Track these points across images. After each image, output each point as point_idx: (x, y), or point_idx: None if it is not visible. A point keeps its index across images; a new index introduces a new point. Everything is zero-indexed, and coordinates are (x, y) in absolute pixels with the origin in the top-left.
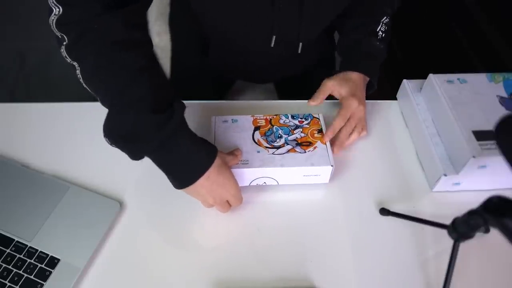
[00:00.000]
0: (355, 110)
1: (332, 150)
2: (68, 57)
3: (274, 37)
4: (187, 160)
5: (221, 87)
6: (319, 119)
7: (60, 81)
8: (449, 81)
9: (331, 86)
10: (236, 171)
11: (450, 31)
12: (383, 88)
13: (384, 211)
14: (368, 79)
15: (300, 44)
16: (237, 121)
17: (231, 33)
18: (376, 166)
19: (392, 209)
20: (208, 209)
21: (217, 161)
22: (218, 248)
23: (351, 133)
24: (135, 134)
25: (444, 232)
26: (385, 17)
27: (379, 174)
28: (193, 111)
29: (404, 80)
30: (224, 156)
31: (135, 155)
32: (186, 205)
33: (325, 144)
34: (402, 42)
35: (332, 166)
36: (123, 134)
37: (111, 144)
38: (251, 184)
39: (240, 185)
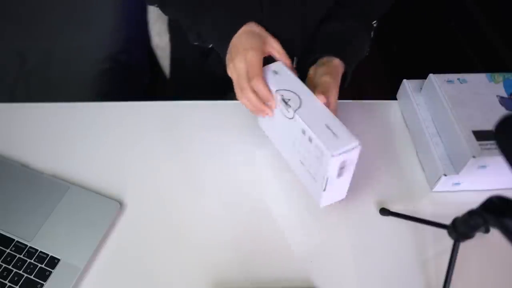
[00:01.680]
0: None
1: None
2: None
3: None
4: (220, 26)
5: (222, 86)
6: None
7: (60, 81)
8: (449, 81)
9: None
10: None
11: (450, 31)
12: (383, 88)
13: (385, 211)
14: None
15: (295, 58)
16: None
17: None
18: (376, 166)
19: (392, 209)
20: (208, 209)
21: (249, 26)
22: (218, 248)
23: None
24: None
25: (444, 232)
26: (375, 21)
27: (379, 174)
28: (193, 111)
29: (404, 80)
30: (265, 35)
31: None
32: (186, 205)
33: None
34: (402, 42)
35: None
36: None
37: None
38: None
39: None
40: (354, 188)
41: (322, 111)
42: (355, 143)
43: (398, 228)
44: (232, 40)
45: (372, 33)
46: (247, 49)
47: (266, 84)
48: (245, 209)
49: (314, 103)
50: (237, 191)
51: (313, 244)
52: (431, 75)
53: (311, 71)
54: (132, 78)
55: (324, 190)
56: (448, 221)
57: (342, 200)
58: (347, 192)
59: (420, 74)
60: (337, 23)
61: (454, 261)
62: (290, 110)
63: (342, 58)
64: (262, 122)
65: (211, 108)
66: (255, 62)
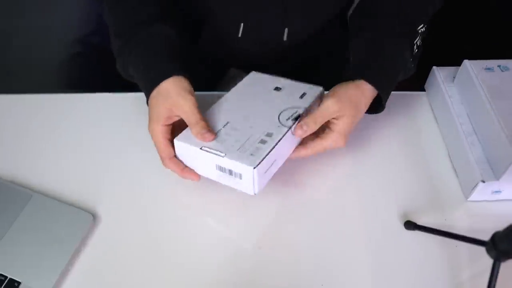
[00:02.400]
0: (333, 147)
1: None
2: None
3: (249, 16)
4: (147, 71)
5: (214, 75)
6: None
7: (20, 68)
8: (488, 69)
9: (334, 112)
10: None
11: (489, 9)
12: (408, 77)
13: (410, 225)
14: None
15: (286, 30)
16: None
17: (217, 15)
18: (400, 171)
19: (419, 222)
20: (194, 222)
21: (174, 78)
22: (208, 268)
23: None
24: (114, 53)
25: (481, 249)
26: (422, 25)
27: (404, 180)
28: None
29: (434, 68)
30: (186, 94)
31: (122, 72)
32: (169, 218)
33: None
34: (431, 21)
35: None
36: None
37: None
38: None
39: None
40: (374, 197)
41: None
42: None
43: (426, 245)
44: (151, 96)
45: (418, 41)
46: (152, 119)
47: (178, 163)
48: (242, 220)
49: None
50: (230, 200)
51: (325, 264)
52: (466, 62)
53: (332, 106)
54: (106, 64)
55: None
56: (486, 237)
57: (360, 212)
58: (365, 202)
59: (453, 60)
60: (367, 32)
61: (494, 284)
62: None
63: (370, 81)
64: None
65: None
66: (159, 140)
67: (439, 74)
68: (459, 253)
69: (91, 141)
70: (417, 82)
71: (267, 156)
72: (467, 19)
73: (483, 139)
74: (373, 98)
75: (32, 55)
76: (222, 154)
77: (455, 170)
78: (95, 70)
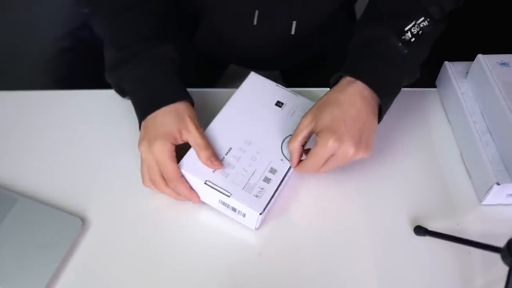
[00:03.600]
0: (333, 152)
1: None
2: None
3: (257, 12)
4: (147, 94)
5: (212, 73)
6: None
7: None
8: (504, 64)
9: (306, 125)
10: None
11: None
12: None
13: (420, 230)
14: (375, 96)
15: (294, 23)
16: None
17: (215, 7)
18: (409, 173)
19: (430, 228)
20: (191, 228)
21: (175, 106)
22: (206, 275)
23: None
24: (109, 65)
25: (496, 256)
26: (422, 18)
27: (414, 182)
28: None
29: (446, 63)
30: (189, 121)
31: (114, 84)
32: (164, 223)
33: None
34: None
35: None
36: (107, 67)
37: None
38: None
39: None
40: (382, 200)
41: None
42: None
43: (438, 251)
44: (157, 113)
45: (413, 29)
46: (158, 137)
47: (187, 184)
48: (243, 227)
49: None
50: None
51: (329, 271)
52: (480, 56)
53: (304, 122)
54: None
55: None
56: (501, 243)
57: (367, 216)
58: (373, 206)
59: (466, 54)
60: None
61: None
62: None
63: (361, 79)
64: None
65: (201, 98)
66: (167, 159)
67: (451, 69)
68: (472, 260)
69: (80, 141)
70: (428, 78)
71: (272, 199)
72: (480, 11)
73: (498, 139)
74: (366, 98)
75: (18, 50)
76: (228, 194)
77: (468, 172)
78: (84, 66)
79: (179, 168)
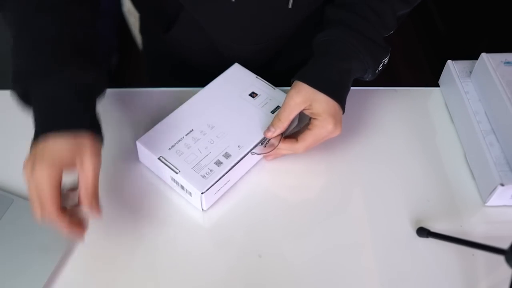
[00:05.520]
0: (326, 136)
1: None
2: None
3: None
4: (54, 110)
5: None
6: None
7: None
8: (508, 63)
9: (298, 105)
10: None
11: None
12: (421, 72)
13: (423, 232)
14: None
15: None
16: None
17: None
18: (412, 173)
19: (433, 229)
20: (190, 228)
21: (75, 134)
22: (205, 277)
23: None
24: (17, 74)
25: (500, 258)
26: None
27: (417, 183)
28: (174, 101)
29: (449, 61)
30: (89, 155)
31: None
32: (163, 223)
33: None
34: (445, 11)
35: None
36: (15, 76)
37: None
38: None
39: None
40: (384, 201)
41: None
42: (201, 206)
43: (441, 253)
44: (54, 134)
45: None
46: (45, 160)
47: (66, 217)
48: (242, 228)
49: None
50: (228, 206)
51: (331, 274)
52: (483, 55)
53: (294, 100)
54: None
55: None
56: (505, 244)
57: (369, 218)
58: (375, 207)
59: (470, 53)
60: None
61: None
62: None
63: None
64: None
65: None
66: (49, 186)
67: (454, 68)
68: (476, 262)
69: None
70: (431, 77)
71: (218, 181)
72: (484, 9)
73: (502, 139)
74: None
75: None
76: (177, 171)
77: (472, 173)
78: None
79: (58, 200)
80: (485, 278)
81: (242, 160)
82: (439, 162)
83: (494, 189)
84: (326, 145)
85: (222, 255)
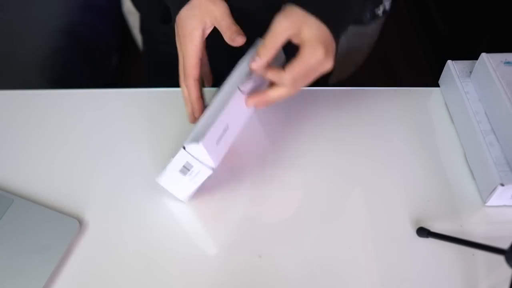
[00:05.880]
0: (316, 66)
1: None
2: None
3: None
4: None
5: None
6: None
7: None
8: (508, 63)
9: (285, 30)
10: None
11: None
12: (421, 72)
13: (423, 232)
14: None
15: None
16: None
17: None
18: (412, 173)
19: (433, 229)
20: (190, 229)
21: (195, 2)
22: (204, 277)
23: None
24: None
25: (500, 258)
26: None
27: (416, 183)
28: (172, 101)
29: (449, 61)
30: (218, 10)
31: None
32: (162, 224)
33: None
34: (446, 10)
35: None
36: None
37: None
38: None
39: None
40: (384, 201)
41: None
42: (210, 165)
43: (441, 253)
44: (180, 12)
45: None
46: (185, 35)
47: (198, 89)
48: (242, 228)
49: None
50: (228, 206)
51: (330, 274)
52: (483, 55)
53: (282, 24)
54: (95, 58)
55: (165, 169)
56: (505, 244)
57: (368, 218)
58: (374, 207)
59: (470, 53)
60: None
61: None
62: None
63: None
64: None
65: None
66: (190, 54)
67: (454, 68)
68: (476, 262)
69: (78, 142)
70: (431, 77)
71: (213, 126)
72: (484, 9)
73: (502, 139)
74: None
75: (12, 48)
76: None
77: (472, 173)
78: (82, 65)
79: (198, 69)
80: (485, 278)
81: (232, 100)
82: (439, 162)
83: (494, 189)
84: (326, 145)
85: (222, 256)
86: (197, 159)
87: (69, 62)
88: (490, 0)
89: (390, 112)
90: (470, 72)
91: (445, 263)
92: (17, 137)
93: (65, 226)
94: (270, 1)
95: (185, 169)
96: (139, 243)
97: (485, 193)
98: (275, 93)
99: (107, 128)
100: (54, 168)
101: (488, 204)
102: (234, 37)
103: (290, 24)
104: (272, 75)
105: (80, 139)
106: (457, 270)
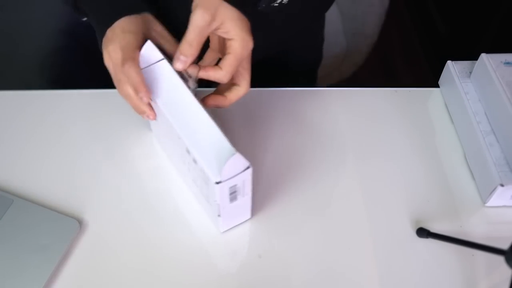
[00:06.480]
0: (248, 54)
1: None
2: None
3: None
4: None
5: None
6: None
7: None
8: (508, 63)
9: (208, 25)
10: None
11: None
12: (421, 72)
13: (423, 232)
14: None
15: None
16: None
17: None
18: (412, 174)
19: (433, 230)
20: (189, 229)
21: (140, 16)
22: (204, 277)
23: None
24: None
25: (500, 259)
26: None
27: (416, 184)
28: None
29: (449, 62)
30: (159, 25)
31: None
32: (162, 224)
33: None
34: (445, 10)
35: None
36: None
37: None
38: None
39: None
40: (383, 202)
41: (205, 121)
42: (244, 164)
43: (440, 253)
44: (112, 26)
45: None
46: (125, 32)
47: (140, 72)
48: (242, 228)
49: (195, 107)
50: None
51: (330, 275)
52: (483, 55)
53: (201, 18)
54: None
55: (219, 215)
56: (505, 245)
57: (368, 218)
58: (374, 207)
59: (470, 53)
60: None
61: None
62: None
63: None
64: (153, 127)
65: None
66: (130, 45)
67: (454, 69)
68: (476, 263)
69: (77, 142)
70: (431, 78)
71: (219, 131)
72: (484, 10)
73: (502, 140)
74: None
75: (12, 49)
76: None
77: (471, 173)
78: (81, 65)
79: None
80: (485, 278)
81: (194, 100)
82: (439, 163)
83: (494, 189)
84: (326, 145)
85: (222, 256)
86: (234, 175)
87: (69, 62)
88: (490, 1)
89: (390, 112)
90: (470, 73)
91: (445, 264)
92: (17, 137)
93: (65, 226)
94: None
95: (233, 194)
96: (138, 243)
97: (485, 194)
98: (236, 95)
99: (107, 128)
100: (54, 168)
101: (488, 204)
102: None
103: (211, 17)
104: (209, 74)
105: (80, 139)
106: (457, 270)
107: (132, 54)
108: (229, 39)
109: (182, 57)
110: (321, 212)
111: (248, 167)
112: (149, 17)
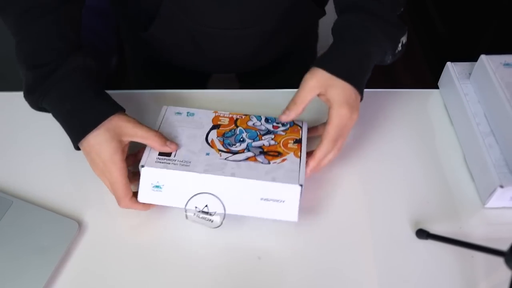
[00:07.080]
0: (346, 123)
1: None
2: None
3: None
4: (72, 115)
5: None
6: (301, 127)
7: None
8: (507, 64)
9: (312, 89)
10: (168, 173)
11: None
12: (421, 73)
13: (423, 233)
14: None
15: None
16: (193, 115)
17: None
18: (412, 175)
19: (432, 231)
20: (189, 231)
21: (105, 126)
22: (204, 279)
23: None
24: (26, 86)
25: (500, 260)
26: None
27: (416, 185)
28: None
29: (448, 63)
30: (129, 126)
31: (33, 106)
32: (162, 226)
33: (299, 158)
34: (445, 12)
35: (301, 186)
36: (25, 88)
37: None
38: (187, 211)
39: (172, 204)
40: (383, 203)
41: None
42: (299, 182)
43: (440, 255)
44: (87, 139)
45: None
46: (105, 161)
47: (136, 203)
48: (242, 229)
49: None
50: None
51: (330, 276)
52: (483, 56)
53: (309, 84)
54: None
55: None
56: (505, 246)
57: (368, 219)
58: (374, 209)
59: (469, 54)
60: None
61: None
62: (216, 217)
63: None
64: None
65: (162, 98)
66: (118, 180)
67: (453, 70)
68: (476, 264)
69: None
70: (430, 79)
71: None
72: (484, 10)
73: (502, 141)
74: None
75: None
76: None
77: (471, 174)
78: None
79: (130, 188)
80: (484, 279)
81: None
82: (438, 164)
83: (494, 191)
84: None
85: (222, 257)
86: (299, 195)
87: None
88: (490, 2)
89: (390, 113)
90: (470, 74)
91: (445, 265)
92: (17, 139)
93: (64, 227)
94: (244, 19)
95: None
96: (137, 244)
97: (485, 195)
98: (326, 160)
99: None
100: (53, 170)
101: (487, 206)
102: (168, 144)
103: (317, 84)
104: (318, 156)
105: None
106: (457, 271)
107: (122, 192)
108: (329, 107)
109: (287, 112)
110: (321, 213)
111: (300, 185)
112: (117, 122)
